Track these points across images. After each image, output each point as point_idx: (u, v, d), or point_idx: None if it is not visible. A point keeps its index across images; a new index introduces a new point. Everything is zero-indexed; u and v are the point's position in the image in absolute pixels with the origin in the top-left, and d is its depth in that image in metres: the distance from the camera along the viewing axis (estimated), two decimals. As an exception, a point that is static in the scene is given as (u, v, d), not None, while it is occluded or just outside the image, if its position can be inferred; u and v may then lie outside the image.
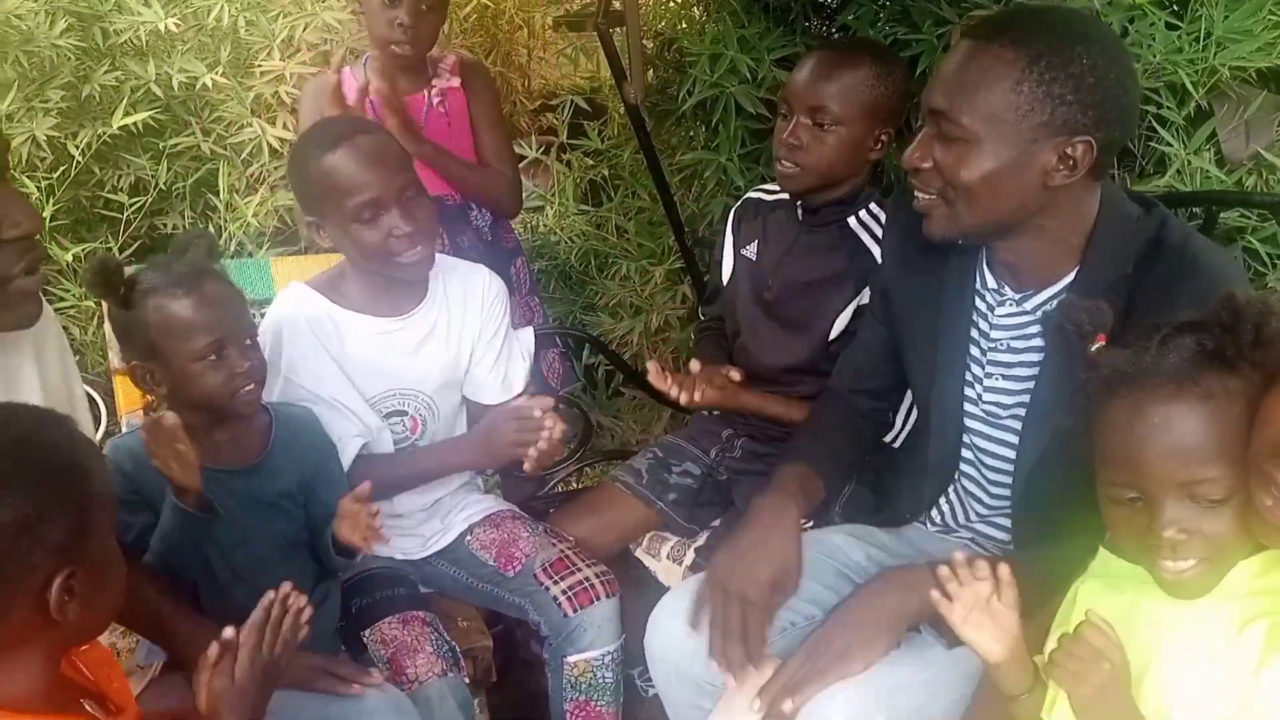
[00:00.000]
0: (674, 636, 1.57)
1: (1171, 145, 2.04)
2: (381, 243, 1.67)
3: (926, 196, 1.38)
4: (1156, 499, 1.02)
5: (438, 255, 1.79)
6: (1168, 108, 2.12)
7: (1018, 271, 1.43)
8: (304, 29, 2.77)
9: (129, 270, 1.52)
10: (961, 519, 1.61)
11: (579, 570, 1.83)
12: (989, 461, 1.51)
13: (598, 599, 1.80)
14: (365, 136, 1.71)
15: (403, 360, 1.82)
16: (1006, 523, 1.54)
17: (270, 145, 2.72)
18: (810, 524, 1.80)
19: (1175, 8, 2.08)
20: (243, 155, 2.76)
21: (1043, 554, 1.34)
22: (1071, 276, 1.38)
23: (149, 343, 1.51)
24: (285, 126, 2.77)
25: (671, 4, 2.82)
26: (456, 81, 2.27)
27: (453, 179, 2.25)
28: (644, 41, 2.82)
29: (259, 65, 2.77)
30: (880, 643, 1.36)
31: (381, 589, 1.78)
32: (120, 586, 1.12)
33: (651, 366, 1.87)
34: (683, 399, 1.84)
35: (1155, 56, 1.95)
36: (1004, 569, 1.16)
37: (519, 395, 1.93)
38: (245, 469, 1.60)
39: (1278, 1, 2.12)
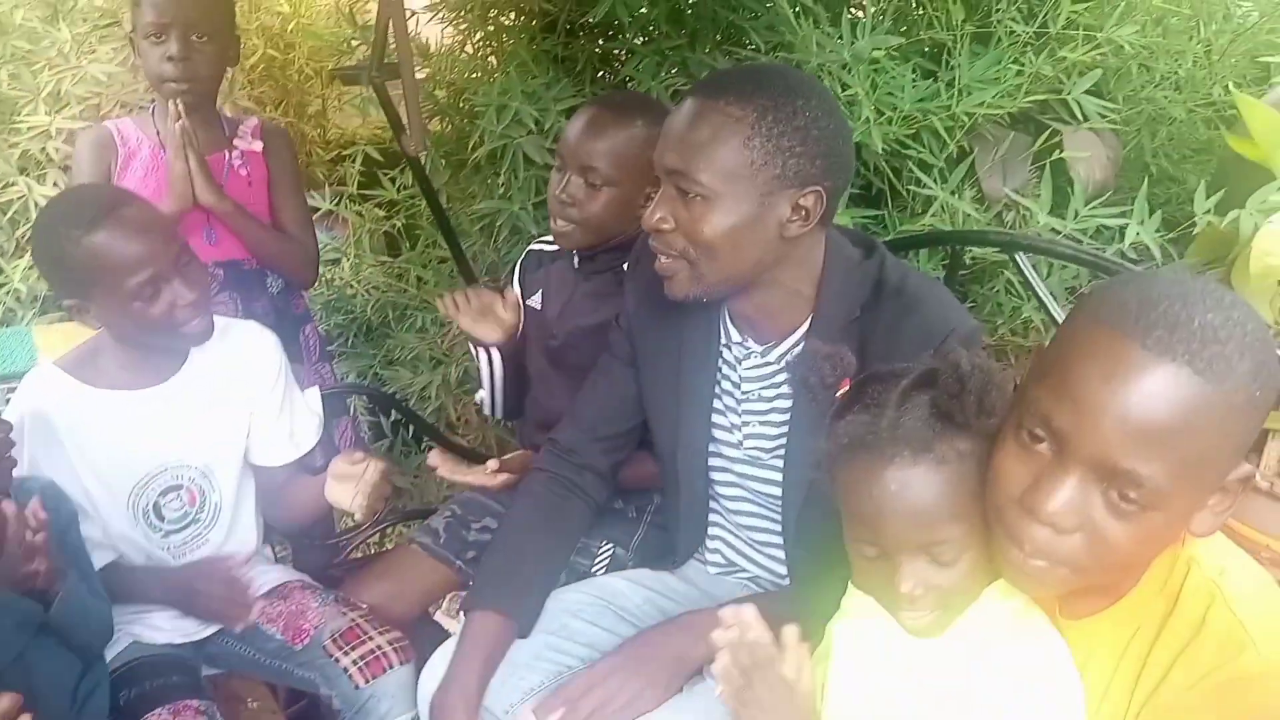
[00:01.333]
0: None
1: (931, 187, 2.17)
2: (166, 315, 1.59)
3: (668, 259, 1.39)
4: (894, 557, 1.06)
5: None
6: (930, 151, 2.26)
7: (757, 324, 1.46)
8: (71, 82, 2.63)
9: None
10: (743, 556, 1.64)
11: (371, 639, 1.75)
12: (761, 500, 1.54)
13: (390, 667, 1.72)
14: (129, 208, 1.61)
15: (167, 433, 1.72)
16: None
17: (38, 204, 2.56)
18: (601, 570, 1.82)
19: (926, 61, 2.22)
20: (9, 215, 2.59)
21: (816, 588, 1.37)
22: (807, 325, 1.42)
23: None
24: (55, 184, 2.62)
25: (464, 54, 2.82)
26: (258, 145, 2.18)
27: (251, 241, 2.16)
28: (436, 91, 2.82)
29: (23, 121, 2.61)
30: (659, 686, 1.37)
31: (152, 678, 1.67)
32: None
33: (438, 460, 1.88)
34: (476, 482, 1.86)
35: (906, 105, 2.06)
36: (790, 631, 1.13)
37: (312, 451, 1.88)
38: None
39: (1020, 52, 2.30)
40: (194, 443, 1.76)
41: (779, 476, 1.48)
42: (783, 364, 1.44)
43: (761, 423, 1.49)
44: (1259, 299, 1.84)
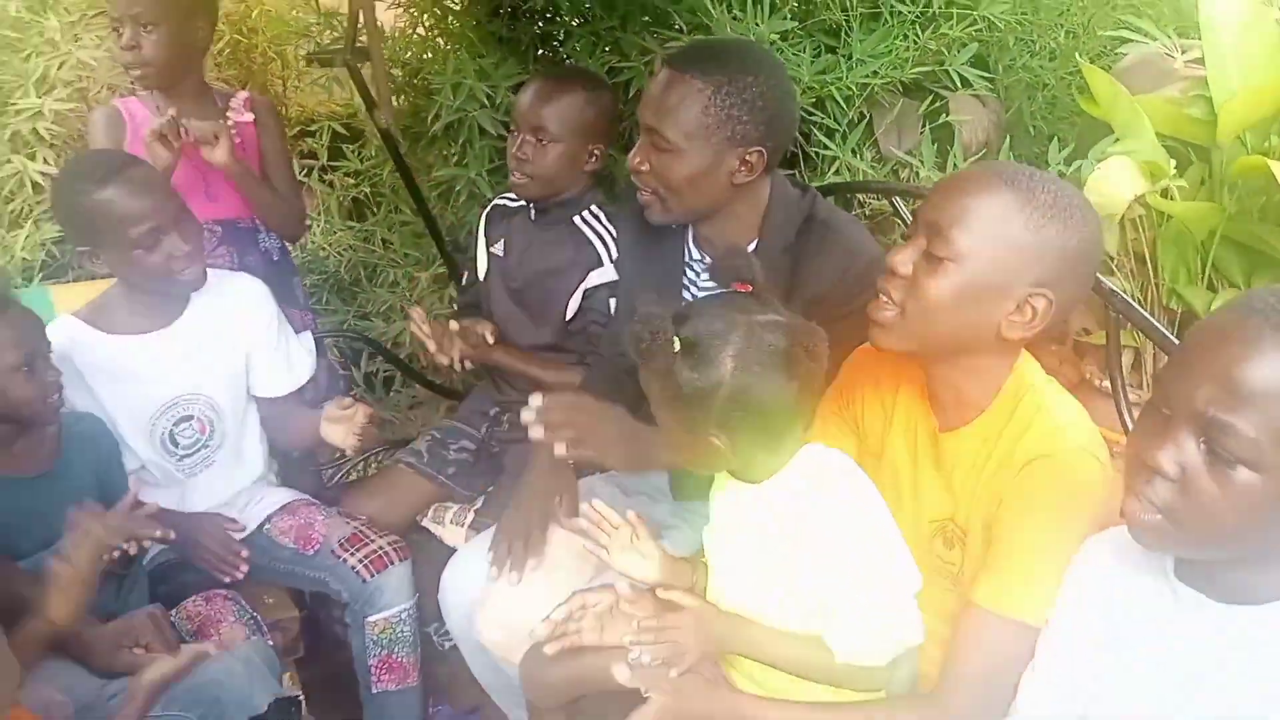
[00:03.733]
0: (463, 586, 1.89)
1: (831, 148, 2.53)
2: (164, 264, 1.87)
3: (646, 193, 1.78)
4: None
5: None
6: (832, 118, 2.62)
7: (714, 243, 1.83)
8: (59, 67, 2.86)
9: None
10: None
11: (372, 541, 2.06)
12: None
13: (391, 564, 2.04)
14: (136, 169, 1.90)
15: (175, 371, 2.00)
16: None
17: (33, 180, 2.80)
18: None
19: (826, 38, 2.58)
20: (5, 190, 2.82)
21: None
22: (753, 246, 1.79)
23: None
24: (45, 161, 2.85)
25: (416, 35, 3.09)
26: (249, 116, 2.46)
27: (253, 199, 2.41)
28: (393, 70, 3.09)
29: (14, 104, 2.84)
30: None
31: (184, 574, 1.98)
32: None
33: (414, 313, 2.15)
34: (441, 358, 2.14)
35: (805, 76, 2.42)
36: (632, 515, 1.52)
37: (304, 386, 2.19)
38: (42, 475, 1.77)
39: (908, 28, 2.66)
40: (199, 378, 2.05)
41: None
42: None
43: None
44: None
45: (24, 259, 2.73)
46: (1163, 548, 1.12)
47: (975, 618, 1.30)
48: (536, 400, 1.56)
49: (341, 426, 2.01)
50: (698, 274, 1.88)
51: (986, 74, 2.73)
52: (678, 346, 1.28)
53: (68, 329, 1.94)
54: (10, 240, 2.80)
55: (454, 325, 2.16)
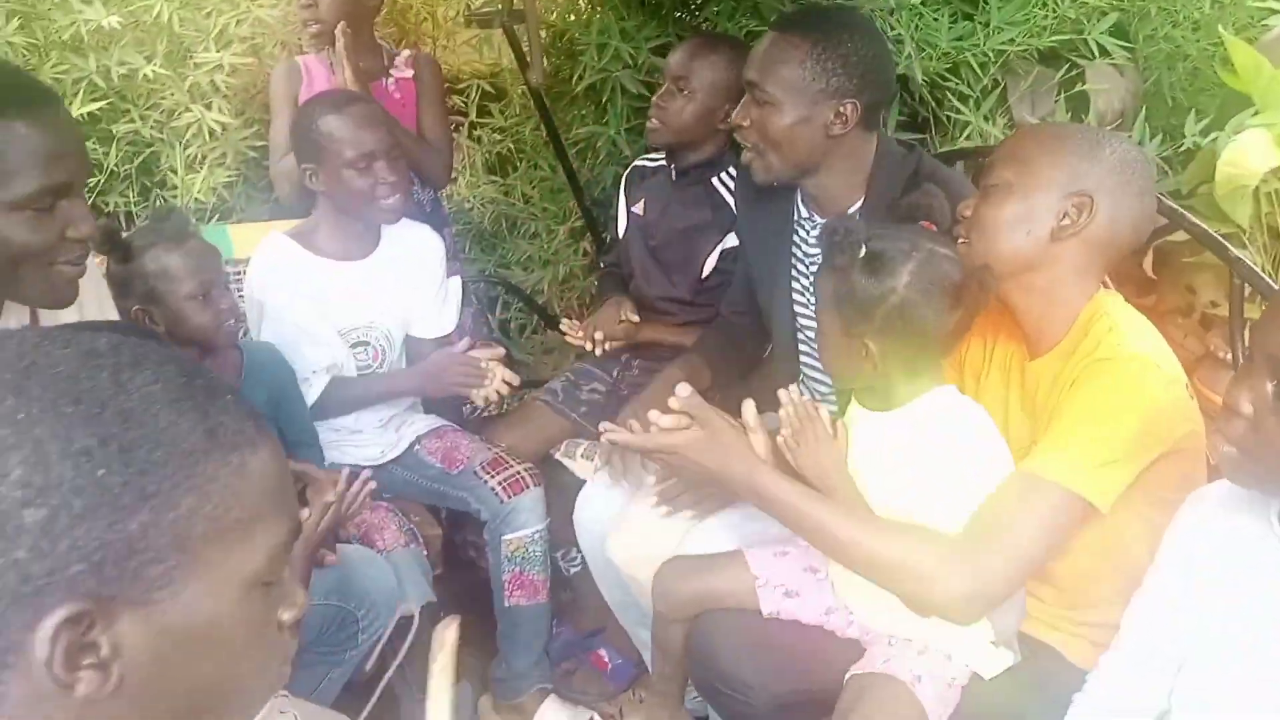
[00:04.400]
0: (597, 509, 2.07)
1: (964, 113, 2.57)
2: (370, 189, 2.08)
3: (749, 153, 1.89)
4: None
5: (385, 216, 2.20)
6: (966, 83, 2.66)
7: (821, 202, 1.93)
8: (236, 24, 3.10)
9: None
10: (813, 394, 2.09)
11: (511, 466, 2.24)
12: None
13: (527, 488, 2.22)
14: (363, 104, 2.15)
15: (364, 298, 2.22)
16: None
17: (209, 128, 3.05)
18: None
19: (964, 5, 2.61)
20: (184, 139, 3.08)
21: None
22: (859, 203, 1.89)
23: (148, 289, 1.87)
24: (220, 111, 3.09)
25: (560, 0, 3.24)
26: (410, 72, 2.68)
27: (405, 147, 2.62)
28: (540, 32, 3.25)
29: (195, 58, 3.09)
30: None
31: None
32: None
33: (565, 325, 2.32)
34: (597, 351, 2.30)
35: (942, 41, 2.47)
36: (747, 408, 1.58)
37: (451, 332, 2.37)
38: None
39: (1046, -4, 2.67)
40: (379, 310, 2.26)
41: None
42: None
43: None
44: (1230, 205, 2.23)
45: (198, 200, 2.98)
46: (1239, 480, 1.19)
47: (1021, 480, 1.39)
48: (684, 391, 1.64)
49: (462, 371, 2.15)
50: (807, 232, 1.97)
51: (1126, 43, 2.72)
52: (863, 251, 1.41)
53: (280, 244, 2.18)
54: (188, 182, 3.06)
55: (598, 336, 2.29)
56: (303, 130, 2.14)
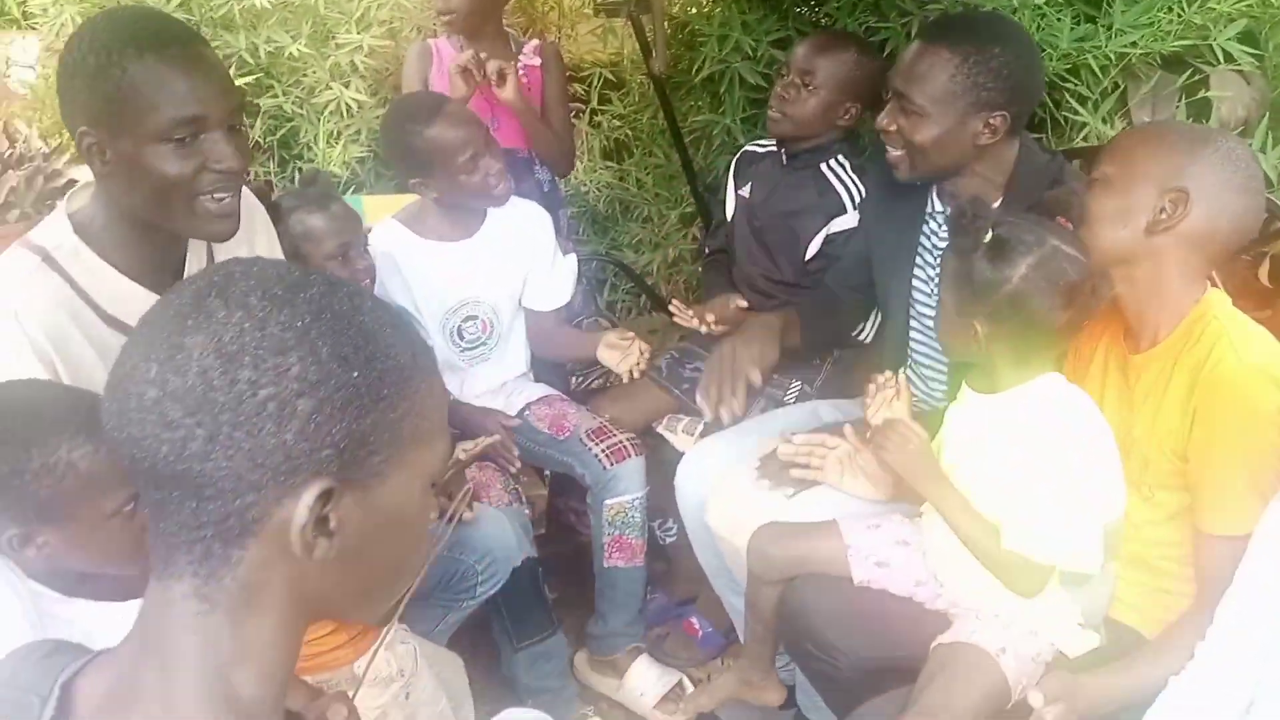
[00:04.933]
0: (697, 476, 2.15)
1: (1081, 115, 2.58)
2: (482, 183, 2.20)
3: (894, 152, 1.93)
4: None
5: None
6: (1085, 85, 2.66)
7: (957, 199, 1.96)
8: (377, 8, 3.28)
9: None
10: (919, 394, 2.14)
11: (615, 436, 2.34)
12: (936, 348, 2.04)
13: (629, 456, 2.32)
14: (454, 105, 2.25)
15: (469, 275, 2.34)
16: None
17: (347, 105, 3.22)
18: (792, 400, 2.37)
19: (1086, 7, 2.62)
20: (322, 115, 3.27)
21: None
22: (997, 205, 1.91)
23: (293, 248, 1.99)
24: (358, 90, 3.27)
25: (682, -8, 3.34)
26: (537, 61, 2.80)
27: (532, 133, 2.75)
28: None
29: (337, 38, 3.28)
30: None
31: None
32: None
33: (674, 306, 2.41)
34: (703, 329, 2.38)
35: (1063, 43, 2.48)
36: (848, 430, 1.75)
37: (566, 304, 2.48)
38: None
39: (1173, 1, 2.66)
40: (486, 285, 2.37)
41: None
42: None
43: None
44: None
45: (334, 174, 3.16)
46: None
47: (1209, 544, 1.45)
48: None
49: (617, 353, 2.30)
50: (939, 225, 2.01)
51: (1254, 50, 2.68)
52: (988, 237, 1.47)
53: (391, 230, 2.31)
54: (326, 156, 3.25)
55: (710, 318, 2.32)
56: (403, 147, 2.22)
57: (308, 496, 0.70)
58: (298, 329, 0.70)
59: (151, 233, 1.46)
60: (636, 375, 2.31)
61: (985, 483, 1.54)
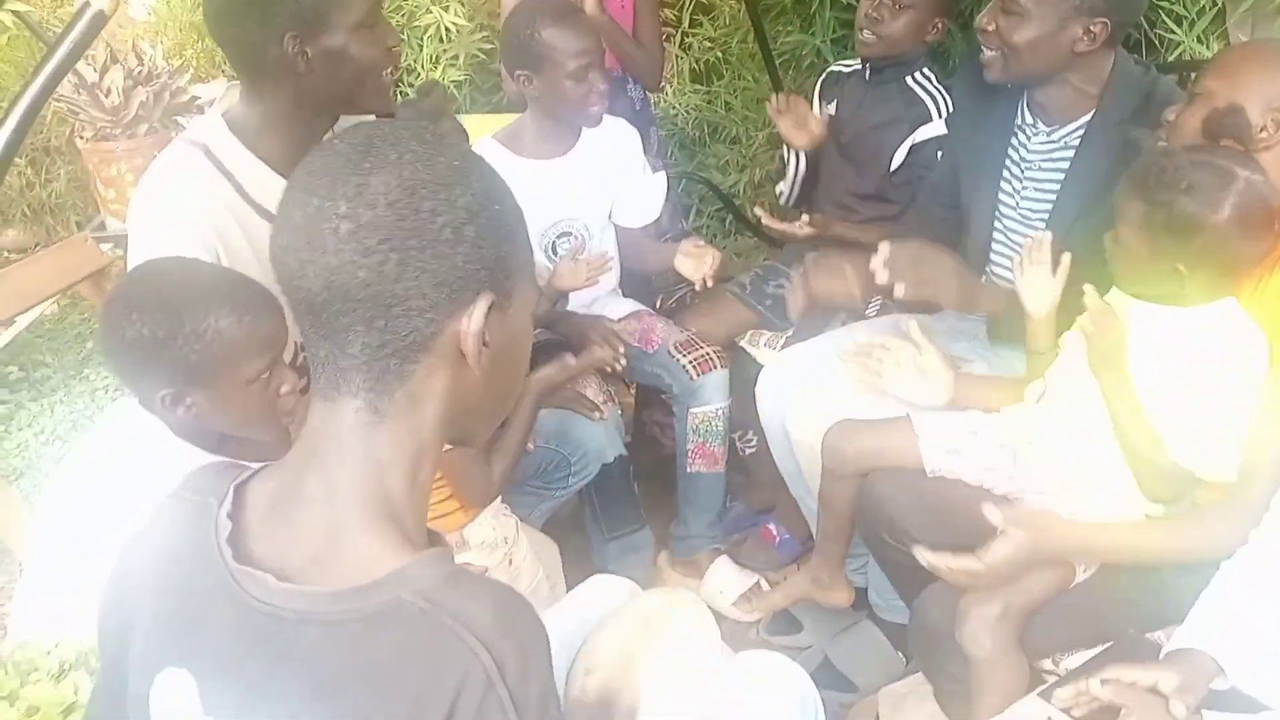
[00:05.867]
0: (778, 384, 2.25)
1: (1176, 34, 2.56)
2: (584, 97, 2.27)
3: (989, 52, 1.94)
4: None
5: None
6: (1182, 4, 2.64)
7: (1049, 111, 1.98)
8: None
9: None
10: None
11: (701, 348, 2.43)
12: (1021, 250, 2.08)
13: (714, 368, 2.41)
14: (577, 14, 2.33)
15: (564, 192, 2.42)
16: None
17: (446, 29, 3.34)
18: (873, 313, 2.44)
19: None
20: (423, 39, 3.39)
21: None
22: (1089, 116, 1.93)
23: None
24: (456, 14, 3.38)
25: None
26: None
27: (620, 52, 2.82)
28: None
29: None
30: None
31: (560, 349, 2.43)
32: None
33: (761, 211, 2.48)
34: (789, 231, 2.45)
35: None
36: (913, 326, 1.78)
37: (654, 220, 2.57)
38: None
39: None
40: (580, 202, 2.45)
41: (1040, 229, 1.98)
42: (1061, 142, 1.97)
43: (1037, 189, 2.02)
44: None
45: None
46: None
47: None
48: (885, 249, 1.82)
49: (692, 261, 2.38)
50: (1028, 137, 2.03)
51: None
52: (1187, 181, 1.44)
53: (490, 148, 2.41)
54: (430, 74, 3.38)
55: (804, 219, 2.41)
56: (521, 39, 2.28)
57: (483, 305, 0.82)
58: (455, 167, 0.82)
59: (300, 127, 1.63)
60: (709, 283, 2.38)
61: (1150, 389, 1.55)
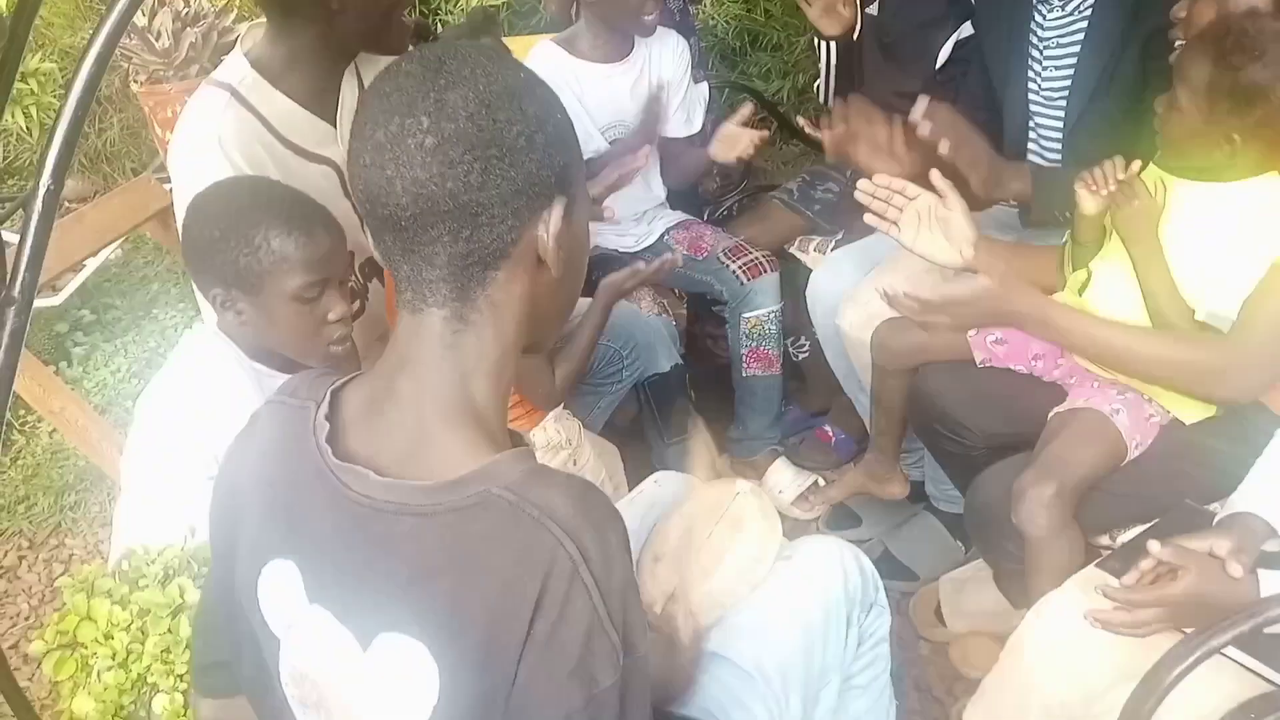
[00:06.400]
0: (830, 283, 2.29)
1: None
2: (639, 4, 2.31)
3: None
4: None
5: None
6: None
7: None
8: None
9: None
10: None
11: (750, 253, 2.46)
12: (1044, 133, 2.08)
13: (765, 272, 2.44)
14: None
15: (618, 98, 2.46)
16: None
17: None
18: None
19: None
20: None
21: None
22: None
23: None
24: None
25: None
26: None
27: None
28: None
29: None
30: None
31: (612, 264, 2.48)
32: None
33: (803, 120, 2.48)
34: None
35: None
36: (935, 176, 1.72)
37: (698, 131, 2.59)
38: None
39: None
40: (632, 108, 2.46)
41: (1060, 113, 2.02)
42: (1074, 13, 1.96)
43: (1056, 68, 2.02)
44: None
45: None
46: None
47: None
48: (924, 101, 1.83)
49: (726, 143, 2.39)
50: (1044, 16, 2.01)
51: None
52: (1262, 49, 1.42)
53: (549, 50, 2.45)
54: (466, 6, 3.39)
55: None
56: None
57: (559, 209, 0.87)
58: (520, 79, 0.87)
59: (326, 64, 1.69)
60: (745, 155, 2.39)
61: (1184, 263, 1.56)
